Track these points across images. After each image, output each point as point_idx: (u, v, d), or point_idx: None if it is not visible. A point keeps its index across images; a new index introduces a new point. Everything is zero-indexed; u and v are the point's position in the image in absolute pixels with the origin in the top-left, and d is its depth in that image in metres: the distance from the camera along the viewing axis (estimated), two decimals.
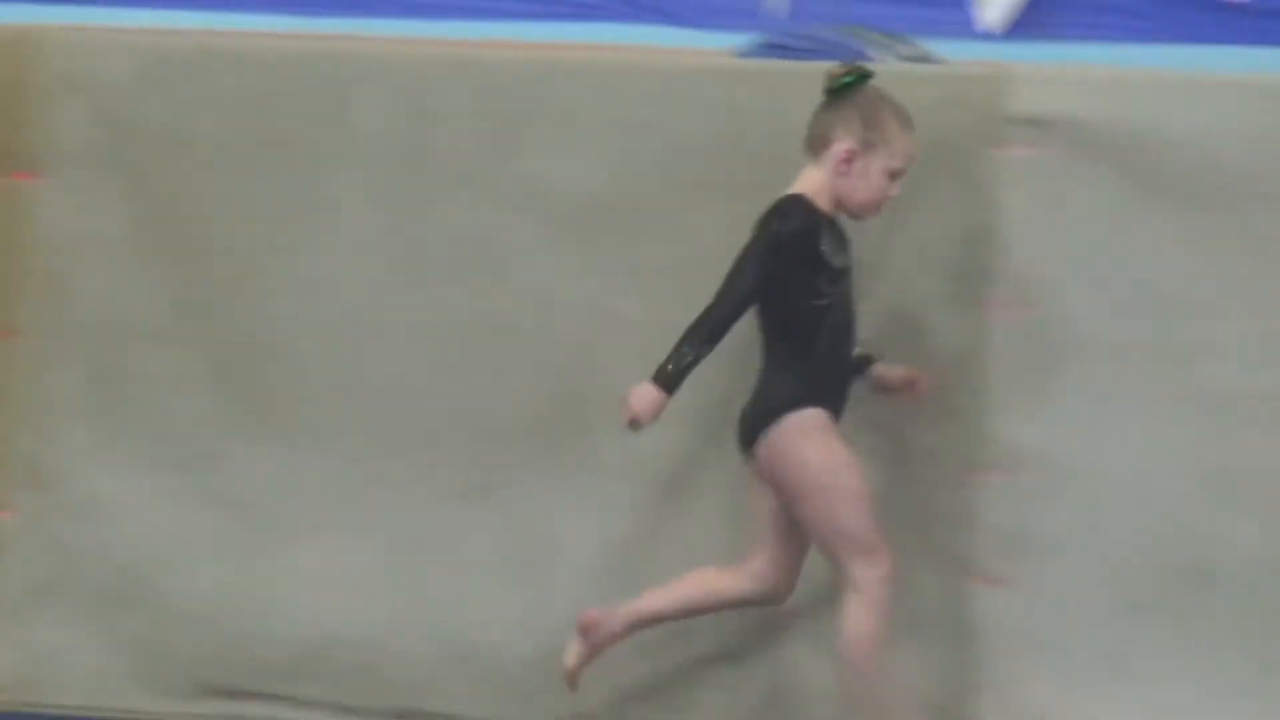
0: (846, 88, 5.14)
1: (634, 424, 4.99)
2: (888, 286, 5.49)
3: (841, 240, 5.15)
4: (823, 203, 5.12)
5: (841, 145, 5.11)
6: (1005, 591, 5.47)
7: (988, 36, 5.78)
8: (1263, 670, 5.38)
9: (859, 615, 5.11)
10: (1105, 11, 5.69)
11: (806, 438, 5.10)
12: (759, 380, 5.19)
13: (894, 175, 5.15)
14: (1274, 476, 5.37)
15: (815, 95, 5.18)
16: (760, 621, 5.50)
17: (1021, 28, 5.72)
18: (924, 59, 5.69)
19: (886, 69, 5.34)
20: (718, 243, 5.35)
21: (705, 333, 4.97)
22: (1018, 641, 5.47)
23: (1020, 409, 5.44)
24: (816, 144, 5.16)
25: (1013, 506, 5.47)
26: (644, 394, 4.97)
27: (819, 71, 5.23)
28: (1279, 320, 5.35)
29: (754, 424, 5.16)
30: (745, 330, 5.14)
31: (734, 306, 5.01)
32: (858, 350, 5.31)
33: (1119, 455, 5.43)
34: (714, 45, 6.10)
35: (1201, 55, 5.50)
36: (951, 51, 5.82)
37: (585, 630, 5.31)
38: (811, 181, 5.15)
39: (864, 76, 5.16)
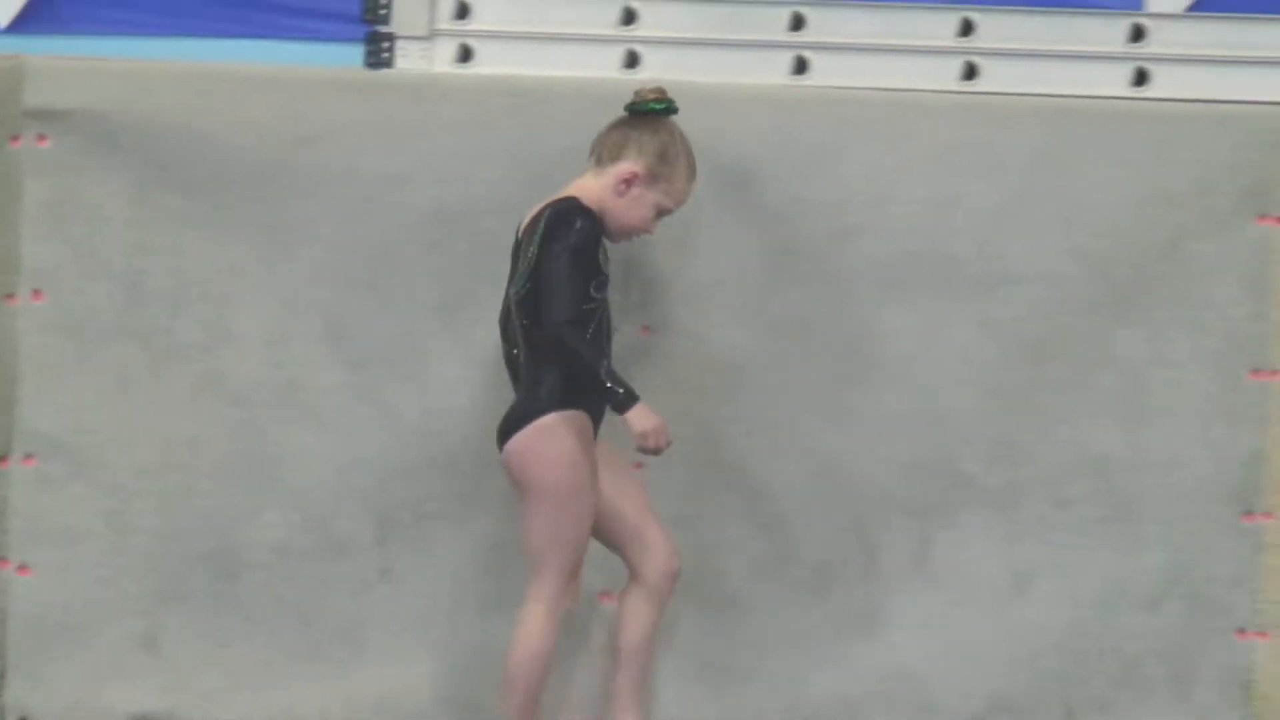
0: (653, 113, 5.12)
1: (666, 444, 4.98)
2: None
3: (605, 247, 5.11)
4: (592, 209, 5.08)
5: (629, 166, 5.08)
6: (33, 578, 5.53)
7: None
8: (285, 656, 5.60)
9: (536, 629, 5.06)
10: (116, 7, 5.77)
11: (558, 439, 5.01)
12: (524, 382, 5.06)
13: (660, 213, 5.15)
14: (295, 465, 5.58)
15: None
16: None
17: (32, 22, 5.75)
18: None
19: None
20: None
21: (594, 351, 4.95)
22: (45, 627, 5.53)
23: (44, 397, 5.50)
24: (605, 155, 5.12)
25: (39, 494, 5.53)
26: (642, 416, 4.93)
27: None
28: (291, 311, 5.56)
29: (515, 423, 5.03)
30: None
31: (580, 321, 4.96)
32: None
33: (143, 444, 5.56)
34: None
35: (214, 48, 5.66)
36: None
37: None
38: (587, 188, 5.10)
39: (672, 109, 5.14)
